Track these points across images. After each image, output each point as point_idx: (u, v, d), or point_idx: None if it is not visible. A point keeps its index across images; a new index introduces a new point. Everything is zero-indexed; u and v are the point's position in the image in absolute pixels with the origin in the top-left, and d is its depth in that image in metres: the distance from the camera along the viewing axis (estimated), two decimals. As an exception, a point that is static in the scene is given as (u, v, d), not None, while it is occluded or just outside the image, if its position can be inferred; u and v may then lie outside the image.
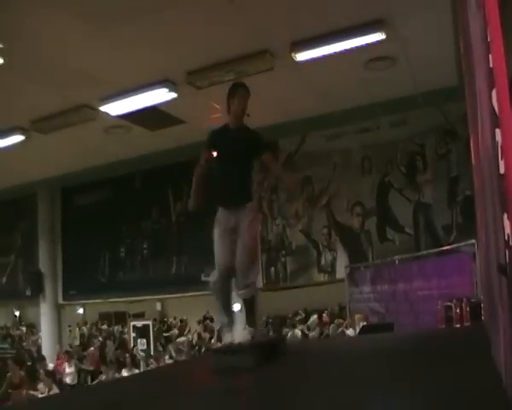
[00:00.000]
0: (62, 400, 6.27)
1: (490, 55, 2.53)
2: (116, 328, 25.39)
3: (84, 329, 25.98)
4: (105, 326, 25.81)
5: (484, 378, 3.58)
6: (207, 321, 24.74)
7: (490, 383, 3.36)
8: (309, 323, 17.84)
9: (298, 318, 22.04)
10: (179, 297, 19.51)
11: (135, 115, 13.67)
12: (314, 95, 13.28)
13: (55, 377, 14.90)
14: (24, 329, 28.55)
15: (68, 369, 16.44)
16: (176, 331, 20.91)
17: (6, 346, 23.76)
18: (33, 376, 15.62)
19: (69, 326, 24.65)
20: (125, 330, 23.86)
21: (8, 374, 14.60)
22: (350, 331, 13.20)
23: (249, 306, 5.80)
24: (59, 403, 5.60)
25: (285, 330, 15.94)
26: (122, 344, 19.51)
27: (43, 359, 16.83)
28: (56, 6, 9.15)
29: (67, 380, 15.96)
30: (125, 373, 14.60)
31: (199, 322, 24.66)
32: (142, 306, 24.57)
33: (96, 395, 5.64)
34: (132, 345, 18.03)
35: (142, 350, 17.47)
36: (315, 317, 18.15)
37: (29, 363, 16.88)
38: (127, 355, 15.92)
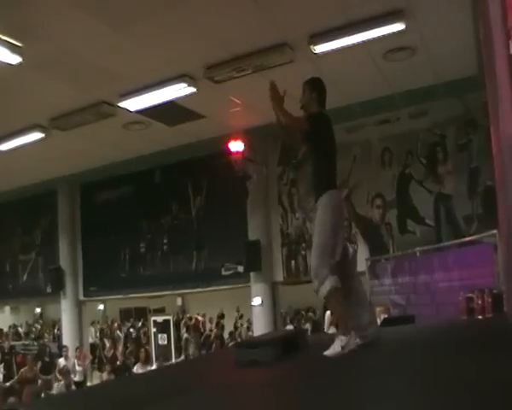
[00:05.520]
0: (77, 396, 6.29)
1: (510, 42, 2.50)
2: (125, 327, 25.77)
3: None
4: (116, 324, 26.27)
5: (507, 369, 3.54)
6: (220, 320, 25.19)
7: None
8: (327, 324, 17.83)
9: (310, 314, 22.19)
10: (200, 292, 19.52)
11: (154, 111, 13.67)
12: (333, 87, 13.12)
13: (69, 373, 15.13)
14: (38, 327, 28.95)
15: (78, 367, 16.63)
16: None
17: (28, 342, 23.95)
18: (48, 371, 15.88)
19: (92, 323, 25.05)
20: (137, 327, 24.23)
21: (22, 369, 14.81)
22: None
23: (329, 307, 5.61)
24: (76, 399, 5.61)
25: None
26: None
27: (60, 355, 17.08)
28: (74, 4, 9.17)
29: (76, 377, 16.18)
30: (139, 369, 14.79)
31: (210, 320, 25.04)
32: (162, 301, 24.69)
33: (107, 392, 5.64)
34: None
35: (162, 345, 17.58)
36: (328, 313, 18.16)
37: (46, 359, 17.14)
38: (142, 350, 16.11)
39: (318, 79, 6.13)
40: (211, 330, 22.93)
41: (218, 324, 24.40)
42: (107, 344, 21.51)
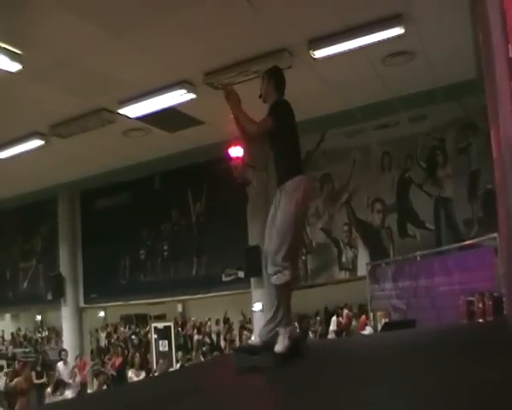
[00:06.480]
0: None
1: (509, 45, 2.50)
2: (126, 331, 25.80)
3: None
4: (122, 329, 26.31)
5: (509, 372, 3.54)
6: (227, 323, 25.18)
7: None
8: (331, 328, 17.83)
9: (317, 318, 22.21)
10: (200, 298, 19.52)
11: (153, 117, 13.68)
12: (333, 92, 13.23)
13: (63, 384, 15.04)
14: (45, 333, 28.96)
15: (78, 376, 16.56)
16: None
17: (28, 350, 23.94)
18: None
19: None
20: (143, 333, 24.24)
21: (17, 379, 14.71)
22: (367, 330, 13.16)
23: (279, 295, 5.42)
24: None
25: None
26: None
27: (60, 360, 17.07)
28: (72, 11, 9.19)
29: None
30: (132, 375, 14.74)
31: (217, 322, 25.03)
32: (163, 307, 24.72)
33: (109, 398, 5.63)
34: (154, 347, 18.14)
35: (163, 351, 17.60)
36: (334, 318, 18.18)
37: (39, 369, 17.08)
38: (136, 355, 16.06)
39: (276, 67, 6.25)
40: (219, 334, 23.03)
41: (229, 328, 24.36)
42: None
